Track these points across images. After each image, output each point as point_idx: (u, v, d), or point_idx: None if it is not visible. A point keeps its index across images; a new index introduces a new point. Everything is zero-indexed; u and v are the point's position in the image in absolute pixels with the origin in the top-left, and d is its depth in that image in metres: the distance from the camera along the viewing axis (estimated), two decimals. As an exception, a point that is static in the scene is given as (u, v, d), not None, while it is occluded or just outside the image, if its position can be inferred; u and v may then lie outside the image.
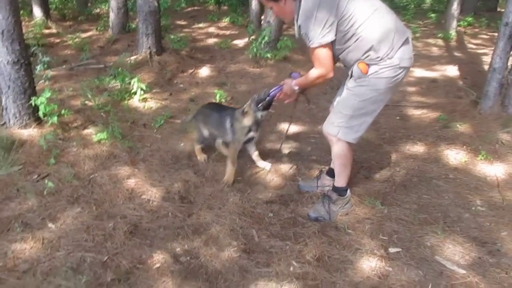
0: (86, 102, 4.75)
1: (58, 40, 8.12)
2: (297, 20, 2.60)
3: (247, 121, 3.32)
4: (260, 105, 3.21)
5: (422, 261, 2.54)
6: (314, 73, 2.69)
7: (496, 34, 4.95)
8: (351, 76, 2.68)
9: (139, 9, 6.32)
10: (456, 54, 8.36)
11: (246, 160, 3.64)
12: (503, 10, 4.99)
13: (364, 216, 2.98)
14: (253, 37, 7.55)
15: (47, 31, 8.75)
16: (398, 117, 4.92)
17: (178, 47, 7.08)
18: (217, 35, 9.12)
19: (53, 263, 2.44)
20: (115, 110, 4.62)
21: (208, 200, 3.13)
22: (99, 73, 6.03)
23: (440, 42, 9.35)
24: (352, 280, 2.39)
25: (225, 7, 12.83)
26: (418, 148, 4.06)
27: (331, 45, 2.58)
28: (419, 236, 2.77)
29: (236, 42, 8.33)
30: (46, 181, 3.19)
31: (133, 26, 8.17)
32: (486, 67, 5.59)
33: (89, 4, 11.91)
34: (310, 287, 2.32)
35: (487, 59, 6.95)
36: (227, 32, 9.43)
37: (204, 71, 6.44)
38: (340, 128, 2.76)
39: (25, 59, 3.80)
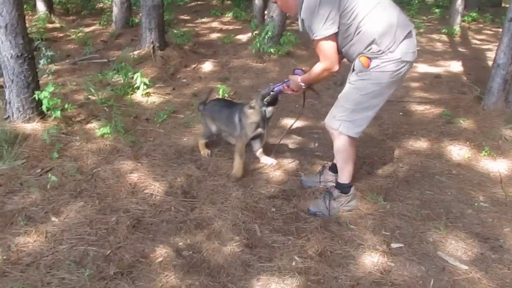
0: (89, 96, 4.75)
1: (61, 35, 8.13)
2: (300, 14, 2.60)
3: (255, 116, 3.33)
4: (265, 100, 3.22)
5: (424, 257, 2.54)
6: (319, 67, 2.69)
7: (500, 29, 4.93)
8: (353, 70, 2.67)
9: (143, 3, 6.31)
10: (460, 49, 8.32)
11: (248, 155, 3.64)
12: (507, 5, 4.96)
13: (366, 212, 2.98)
14: (256, 32, 7.53)
15: (50, 25, 8.76)
16: (401, 113, 4.91)
17: (181, 42, 7.07)
18: (220, 30, 9.10)
19: (56, 256, 2.45)
20: (118, 105, 4.62)
21: (211, 195, 3.13)
22: (102, 67, 6.04)
23: (444, 37, 9.30)
24: (354, 275, 2.39)
25: (229, 2, 12.79)
26: (421, 144, 4.05)
27: (335, 37, 2.58)
28: (422, 232, 2.76)
29: (239, 37, 8.31)
30: (49, 175, 3.20)
31: (137, 20, 8.16)
32: (490, 62, 5.57)
33: (92, -1, 11.91)
34: (312, 282, 2.33)
35: (491, 54, 6.92)
36: (230, 27, 9.40)
37: (207, 66, 6.43)
38: (341, 122, 2.75)
39: (28, 53, 3.80)
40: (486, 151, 3.78)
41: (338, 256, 2.54)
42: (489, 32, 10.18)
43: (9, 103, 3.86)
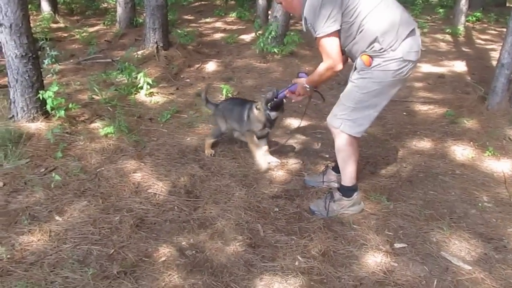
0: (93, 96, 4.77)
1: (65, 35, 8.16)
2: (303, 13, 2.61)
3: (261, 117, 3.40)
4: (268, 105, 3.26)
5: (427, 257, 2.54)
6: (322, 66, 2.68)
7: (504, 29, 4.91)
8: (355, 68, 2.67)
9: (146, 3, 6.33)
10: (464, 49, 8.30)
11: (252, 154, 3.64)
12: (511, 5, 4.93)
13: (369, 212, 2.98)
14: (260, 32, 7.53)
15: (54, 25, 8.80)
16: (404, 113, 4.90)
17: (185, 42, 7.09)
18: (224, 30, 9.11)
19: (60, 255, 2.46)
20: (121, 104, 4.64)
21: (214, 195, 3.14)
22: (106, 67, 6.05)
23: (448, 37, 9.27)
24: (357, 275, 2.39)
25: (232, 2, 12.81)
26: (425, 144, 4.04)
27: (338, 35, 2.58)
28: (425, 232, 2.76)
29: (243, 37, 8.32)
30: (53, 174, 3.22)
31: (140, 20, 8.19)
32: (494, 62, 5.54)
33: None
34: (315, 282, 2.33)
35: (495, 54, 6.91)
36: (234, 27, 9.42)
37: (211, 66, 6.44)
38: (342, 120, 2.74)
39: (33, 53, 3.82)
40: (490, 151, 3.77)
41: (341, 256, 2.54)
42: (493, 32, 10.15)
43: (14, 102, 3.87)
